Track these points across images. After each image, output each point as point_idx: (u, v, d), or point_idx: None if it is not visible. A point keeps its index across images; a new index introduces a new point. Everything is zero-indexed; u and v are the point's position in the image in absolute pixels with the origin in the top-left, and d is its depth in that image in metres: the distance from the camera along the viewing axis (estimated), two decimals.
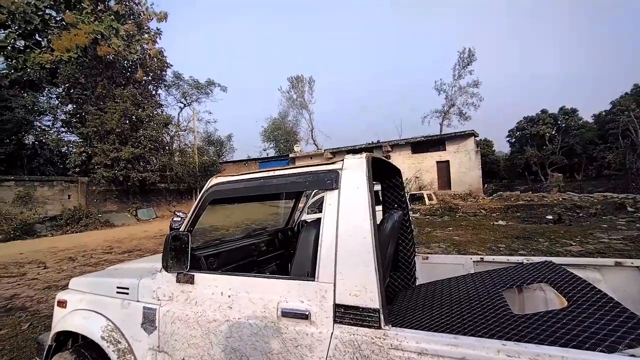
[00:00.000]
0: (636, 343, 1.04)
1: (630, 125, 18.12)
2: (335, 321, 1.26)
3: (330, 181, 1.38)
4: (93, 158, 17.01)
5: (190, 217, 1.70)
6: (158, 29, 21.55)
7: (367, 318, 1.21)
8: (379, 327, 1.19)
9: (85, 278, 2.17)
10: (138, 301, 1.76)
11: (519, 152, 33.16)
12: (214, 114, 39.16)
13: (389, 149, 22.94)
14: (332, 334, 1.25)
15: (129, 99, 18.01)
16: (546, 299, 1.95)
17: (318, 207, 8.56)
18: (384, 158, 1.96)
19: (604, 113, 29.93)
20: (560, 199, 15.34)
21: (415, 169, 21.80)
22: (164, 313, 1.64)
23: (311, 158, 26.63)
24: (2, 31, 16.93)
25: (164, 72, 23.36)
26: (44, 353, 2.05)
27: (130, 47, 18.62)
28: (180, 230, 1.66)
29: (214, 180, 1.72)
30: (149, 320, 1.69)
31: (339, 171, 1.39)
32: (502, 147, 41.27)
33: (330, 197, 1.38)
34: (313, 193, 4.29)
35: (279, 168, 1.57)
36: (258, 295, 1.43)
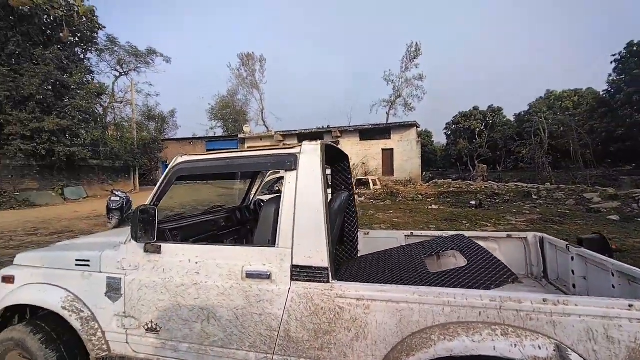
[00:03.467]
0: (503, 284, 1.50)
1: (540, 125, 21.18)
2: (292, 279, 1.54)
3: (290, 163, 1.63)
4: (6, 127, 14.71)
5: (157, 192, 1.81)
6: None
7: (318, 275, 1.51)
8: (328, 282, 1.50)
9: (34, 253, 2.14)
10: (100, 272, 1.84)
11: (454, 144, 36.56)
12: (155, 87, 36.01)
13: (339, 134, 23.64)
14: (289, 289, 1.53)
15: (53, 61, 15.75)
16: (456, 262, 2.48)
17: (268, 188, 8.74)
18: (334, 145, 2.25)
19: (522, 113, 34.25)
20: (483, 187, 17.53)
21: (363, 155, 22.87)
22: (129, 281, 1.76)
23: (261, 139, 26.26)
24: None
25: (95, 34, 20.71)
26: None
27: (53, 0, 16.10)
28: (147, 204, 1.77)
29: (180, 159, 1.84)
30: (113, 289, 1.79)
31: (298, 155, 1.64)
32: (440, 138, 44.98)
33: (289, 177, 1.63)
34: (268, 174, 4.47)
35: (240, 150, 1.77)
36: (224, 261, 1.64)
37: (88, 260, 1.88)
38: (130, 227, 1.72)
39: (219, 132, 39.18)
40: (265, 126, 37.46)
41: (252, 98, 39.27)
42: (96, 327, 1.81)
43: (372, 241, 2.94)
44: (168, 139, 30.77)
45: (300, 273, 1.53)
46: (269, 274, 1.56)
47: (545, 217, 9.24)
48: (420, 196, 15.68)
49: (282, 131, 26.02)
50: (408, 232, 2.87)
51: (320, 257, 1.51)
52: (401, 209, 12.07)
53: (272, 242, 1.64)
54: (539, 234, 2.62)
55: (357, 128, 24.01)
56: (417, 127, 23.27)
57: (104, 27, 21.03)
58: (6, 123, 14.75)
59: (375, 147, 23.12)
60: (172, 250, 1.74)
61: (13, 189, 14.50)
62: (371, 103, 39.97)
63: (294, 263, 1.55)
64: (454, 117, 37.49)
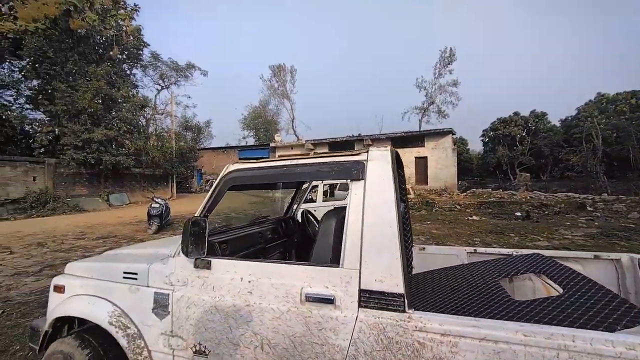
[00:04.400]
0: (631, 324, 1.18)
1: (592, 131, 19.45)
2: (360, 305, 1.32)
3: (357, 172, 1.43)
4: (62, 139, 15.96)
5: (207, 203, 1.69)
6: (136, 5, 20.34)
7: (391, 303, 1.28)
8: (404, 311, 1.26)
9: (84, 263, 2.11)
10: (148, 286, 1.74)
11: (492, 151, 34.65)
12: (193, 99, 37.75)
13: (370, 142, 23.25)
14: (356, 317, 1.31)
15: (103, 77, 16.99)
16: (534, 287, 2.12)
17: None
18: (397, 151, 2.03)
19: (569, 118, 31.83)
20: (528, 197, 16.30)
21: None
22: (178, 298, 1.64)
23: (292, 148, 26.49)
24: None
25: (140, 51, 22.16)
26: (40, 339, 1.97)
27: (105, 22, 17.46)
28: (197, 215, 1.64)
29: (232, 167, 1.71)
30: (161, 306, 1.67)
31: (365, 162, 1.44)
32: (475, 145, 42.94)
33: (356, 187, 1.43)
34: (310, 184, 4.32)
35: (299, 157, 1.60)
36: (280, 281, 1.46)
37: (136, 274, 1.78)
38: (179, 239, 1.60)
39: (251, 141, 40.22)
40: (296, 135, 37.90)
41: (283, 108, 40.03)
42: (142, 345, 1.70)
43: (428, 258, 2.65)
44: (203, 148, 32.02)
45: (370, 299, 1.31)
46: (332, 298, 1.36)
47: (607, 232, 8.28)
48: (458, 206, 14.87)
49: (313, 140, 26.10)
50: (471, 249, 2.55)
51: (394, 280, 1.29)
52: (439, 219, 11.46)
53: (334, 261, 1.44)
54: (637, 256, 2.20)
55: (389, 136, 23.50)
56: (453, 134, 22.32)
57: (149, 45, 22.50)
58: (62, 134, 16.01)
59: (408, 155, 22.44)
60: (223, 266, 1.59)
61: (65, 195, 15.63)
62: (403, 110, 39.15)
63: (363, 287, 1.33)
64: (491, 124, 35.63)
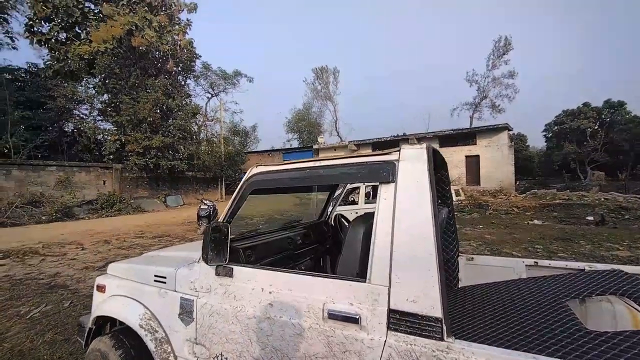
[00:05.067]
0: None
1: None
2: (389, 328, 1.14)
3: (386, 173, 1.25)
4: (126, 146, 17.75)
5: (230, 207, 1.63)
6: (188, 20, 21.94)
7: (427, 327, 1.08)
8: (442, 339, 1.05)
9: (123, 264, 2.18)
10: (175, 291, 1.72)
11: (556, 147, 31.21)
12: (240, 104, 39.72)
13: (415, 141, 22.28)
14: (385, 342, 1.13)
15: (160, 89, 18.55)
16: (614, 313, 1.73)
17: (342, 199, 8.45)
18: (436, 149, 1.79)
19: None
20: (603, 199, 14.28)
21: None
22: (201, 305, 1.59)
23: (335, 150, 26.42)
24: (47, 24, 17.87)
25: (193, 63, 23.81)
26: (85, 335, 2.08)
27: (162, 38, 19.07)
28: (219, 220, 1.59)
29: (255, 170, 1.63)
30: (186, 311, 1.65)
31: (396, 163, 1.25)
32: (536, 142, 39.00)
33: (385, 191, 1.24)
34: (346, 186, 4.15)
35: (326, 158, 1.46)
36: (302, 293, 1.34)
37: (164, 277, 1.78)
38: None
39: (295, 143, 41.04)
40: (339, 136, 37.87)
41: (326, 109, 40.26)
42: (169, 350, 1.68)
43: (477, 269, 2.33)
44: (250, 152, 33.38)
45: (401, 321, 1.12)
46: (357, 317, 1.19)
47: None
48: (515, 209, 13.54)
49: (356, 140, 25.77)
50: (530, 261, 2.19)
51: (429, 301, 1.09)
52: (493, 223, 10.49)
53: (361, 275, 1.27)
54: None
55: (437, 134, 22.30)
56: (509, 130, 20.48)
57: (200, 56, 24.09)
58: (127, 142, 17.82)
59: (458, 154, 21.08)
60: (244, 275, 1.51)
61: (129, 197, 17.32)
62: (451, 107, 37.01)
63: (392, 307, 1.14)
64: (556, 117, 32.13)
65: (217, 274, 1.56)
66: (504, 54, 30.72)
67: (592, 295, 1.69)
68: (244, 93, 46.73)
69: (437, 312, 1.07)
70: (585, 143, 28.19)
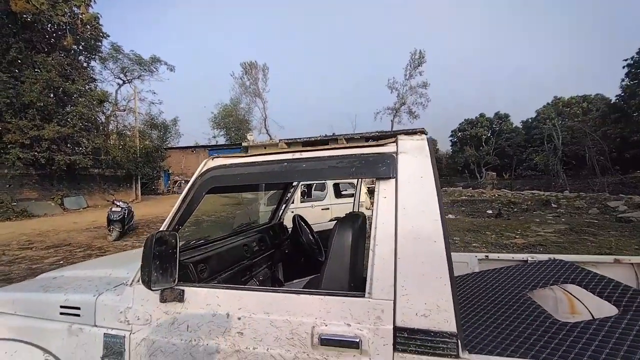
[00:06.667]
0: None
1: (553, 131, 20.67)
2: (396, 349, 0.97)
3: (385, 168, 1.08)
4: (4, 136, 14.23)
5: (178, 212, 1.25)
6: None
7: (441, 345, 0.94)
8: (457, 356, 0.93)
9: (6, 293, 1.57)
10: (95, 325, 1.27)
11: (460, 151, 36.08)
12: (158, 95, 35.60)
13: (344, 142, 23.13)
14: None
15: (55, 68, 15.39)
16: (556, 300, 1.89)
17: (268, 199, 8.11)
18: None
19: (530, 119, 33.83)
20: (496, 195, 16.91)
21: None
22: (137, 342, 1.19)
23: (265, 148, 25.63)
24: None
25: (99, 43, 20.43)
26: None
27: (57, 7, 15.82)
28: (163, 229, 1.21)
29: (212, 163, 1.29)
30: (113, 352, 1.22)
31: (395, 155, 1.09)
32: (444, 146, 44.49)
33: (384, 188, 1.07)
34: (299, 183, 3.89)
35: (307, 150, 1.22)
36: (282, 316, 1.08)
37: (78, 308, 1.31)
38: (138, 262, 1.16)
39: (221, 140, 38.80)
40: (268, 134, 37.03)
41: (255, 107, 38.98)
42: None
43: None
44: (171, 148, 30.31)
45: (410, 340, 0.97)
46: (357, 340, 0.99)
47: (574, 228, 8.63)
48: None
49: (287, 139, 25.40)
50: (482, 255, 2.30)
51: (442, 315, 0.95)
52: None
53: (356, 288, 1.08)
54: None
55: (363, 135, 23.36)
56: (425, 134, 22.76)
57: (108, 36, 20.77)
58: (5, 131, 14.30)
59: None
60: (201, 298, 1.17)
61: (10, 199, 13.94)
62: (375, 110, 39.59)
63: (399, 324, 0.98)
64: (459, 124, 37.14)
65: (163, 300, 1.18)
66: (418, 65, 34.14)
67: (546, 286, 1.81)
68: (164, 82, 42.15)
69: (452, 326, 0.94)
70: (481, 148, 33.25)
